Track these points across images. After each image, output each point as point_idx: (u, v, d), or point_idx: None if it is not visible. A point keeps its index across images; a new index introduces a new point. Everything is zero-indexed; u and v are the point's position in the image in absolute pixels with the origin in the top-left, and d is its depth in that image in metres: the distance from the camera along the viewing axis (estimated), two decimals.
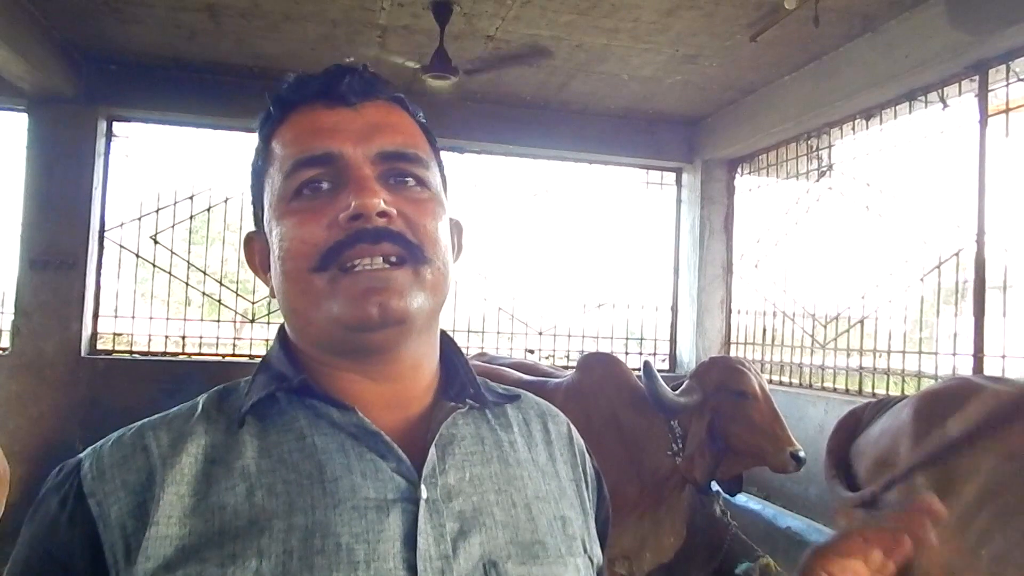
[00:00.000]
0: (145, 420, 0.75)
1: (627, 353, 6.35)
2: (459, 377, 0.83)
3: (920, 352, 4.68)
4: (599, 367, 3.51)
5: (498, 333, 6.31)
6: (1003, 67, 3.96)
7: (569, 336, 6.43)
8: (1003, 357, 3.99)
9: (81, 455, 0.72)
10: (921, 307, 4.69)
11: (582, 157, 6.32)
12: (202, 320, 5.84)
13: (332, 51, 4.95)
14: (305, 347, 0.78)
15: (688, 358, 6.29)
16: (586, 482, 0.87)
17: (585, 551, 0.79)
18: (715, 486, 3.42)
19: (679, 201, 6.59)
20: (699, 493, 3.33)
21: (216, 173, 5.82)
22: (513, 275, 6.51)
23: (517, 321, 6.35)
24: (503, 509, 0.74)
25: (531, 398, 0.91)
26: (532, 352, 6.21)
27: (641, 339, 6.61)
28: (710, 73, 5.16)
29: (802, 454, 2.98)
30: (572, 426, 0.92)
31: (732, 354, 6.05)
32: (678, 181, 6.58)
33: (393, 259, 0.72)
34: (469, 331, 6.24)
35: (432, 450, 0.73)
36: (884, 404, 2.75)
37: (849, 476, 2.65)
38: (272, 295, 0.80)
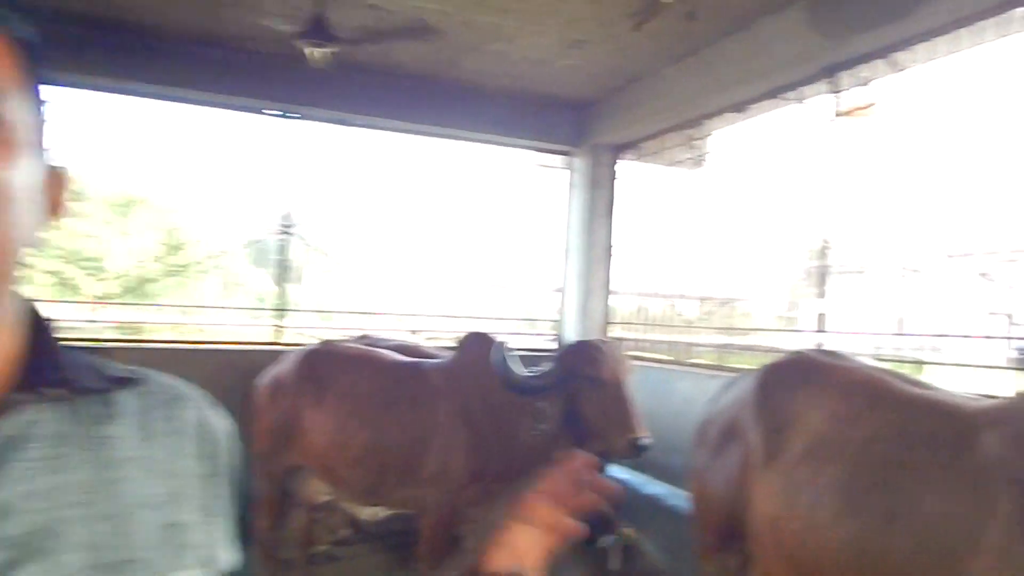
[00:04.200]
0: None
1: (517, 334, 6.47)
2: (43, 360, 0.66)
3: (780, 330, 5.04)
4: (474, 347, 3.61)
5: (385, 314, 6.29)
6: (852, 71, 4.28)
7: (459, 317, 6.47)
8: (851, 334, 4.37)
9: None
10: (785, 290, 5.05)
11: (475, 136, 6.33)
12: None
13: (202, 6, 4.75)
14: None
15: (572, 338, 6.47)
16: (223, 476, 0.76)
17: (204, 560, 0.70)
18: None
19: (570, 185, 6.74)
20: None
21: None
22: (402, 255, 6.51)
23: (406, 302, 6.35)
24: (85, 525, 0.62)
25: (159, 381, 0.77)
26: (415, 333, 6.24)
27: (530, 320, 6.73)
28: (597, 59, 5.29)
29: (645, 442, 3.14)
30: (209, 411, 0.79)
31: (611, 334, 6.31)
32: (569, 165, 6.73)
33: None
34: (357, 312, 6.20)
35: None
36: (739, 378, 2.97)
37: (716, 435, 2.81)
38: None
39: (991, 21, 3.48)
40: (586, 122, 6.45)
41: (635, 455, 3.17)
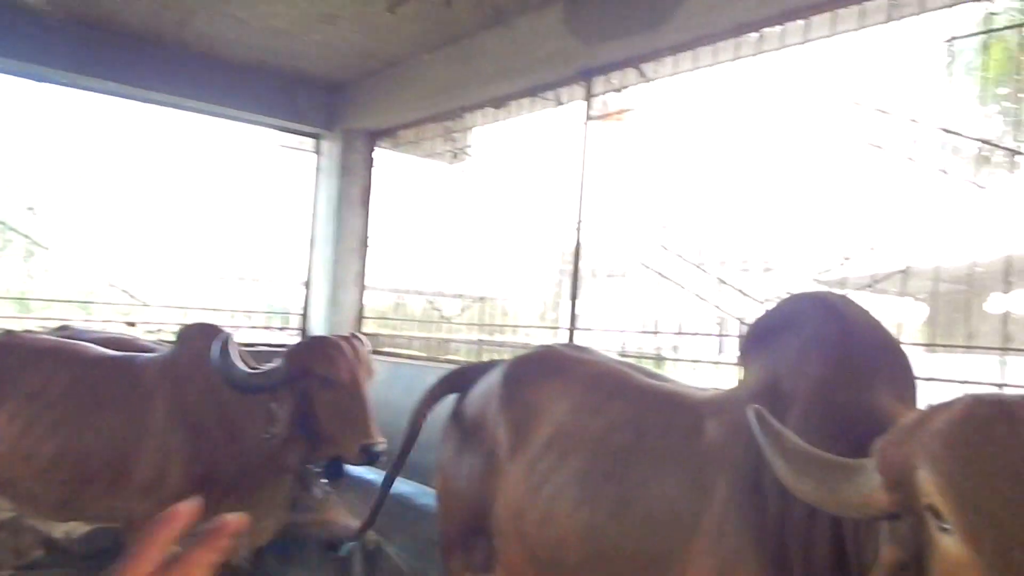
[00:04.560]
0: None
1: (255, 327, 6.03)
2: None
3: (537, 327, 5.12)
4: (199, 339, 3.23)
5: (101, 303, 5.51)
6: (605, 77, 4.42)
7: (191, 309, 5.84)
8: (606, 332, 4.52)
9: None
10: (545, 290, 5.12)
11: (208, 109, 5.70)
12: None
13: None
14: None
15: (320, 333, 6.14)
16: None
17: None
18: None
19: (318, 170, 6.36)
20: (299, 475, 3.24)
21: None
22: (127, 238, 5.74)
23: (128, 290, 5.60)
24: None
25: None
26: (133, 325, 5.49)
27: (275, 313, 6.33)
28: (350, 38, 5.01)
29: (379, 448, 2.97)
30: None
31: (364, 329, 6.07)
32: (317, 148, 6.35)
33: None
34: (65, 300, 5.36)
35: None
36: (488, 367, 2.89)
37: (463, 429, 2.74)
38: None
39: (730, 43, 3.76)
40: (338, 105, 6.11)
41: (368, 462, 2.97)
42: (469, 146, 5.60)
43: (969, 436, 1.16)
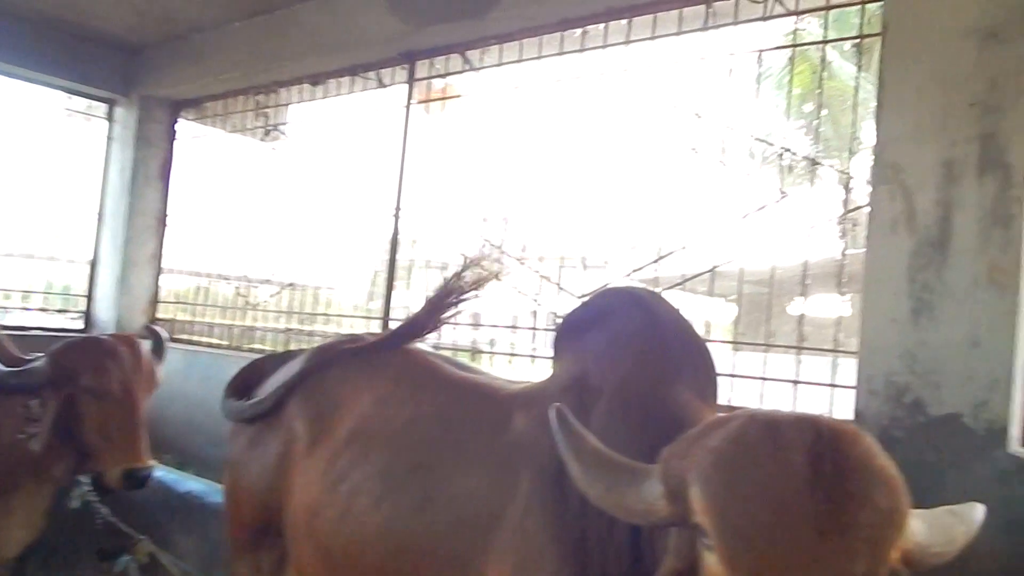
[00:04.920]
0: None
1: (30, 310, 5.36)
2: None
3: (348, 316, 4.91)
4: None
5: None
6: (429, 61, 4.27)
7: None
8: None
9: None
10: (365, 280, 4.89)
11: None
12: None
13: None
14: None
15: (107, 317, 5.54)
16: None
17: None
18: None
19: (110, 138, 5.70)
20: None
21: None
22: None
23: None
24: None
25: None
26: None
27: (50, 294, 5.67)
28: None
29: (146, 473, 2.70)
30: None
31: (160, 314, 5.56)
32: (110, 115, 5.69)
33: None
34: None
35: None
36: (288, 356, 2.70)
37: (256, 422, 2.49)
38: None
39: (555, 36, 3.75)
40: (135, 69, 5.54)
41: (131, 488, 2.65)
42: (284, 124, 5.25)
43: (736, 458, 1.17)
